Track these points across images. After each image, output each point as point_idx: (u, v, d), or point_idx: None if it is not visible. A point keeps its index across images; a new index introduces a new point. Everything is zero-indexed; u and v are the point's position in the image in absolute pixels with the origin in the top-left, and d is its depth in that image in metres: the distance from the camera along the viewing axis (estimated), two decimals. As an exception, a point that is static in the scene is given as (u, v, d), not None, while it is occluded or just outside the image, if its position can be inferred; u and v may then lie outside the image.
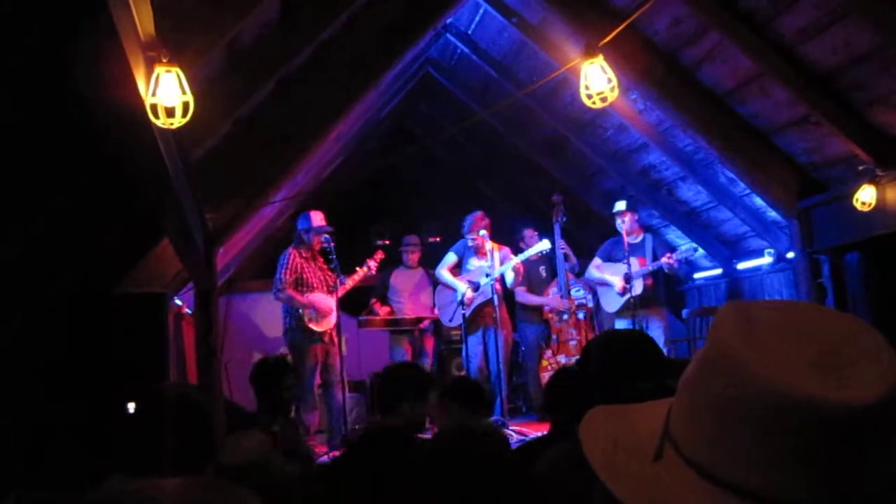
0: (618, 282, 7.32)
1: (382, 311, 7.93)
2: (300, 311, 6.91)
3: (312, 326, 6.84)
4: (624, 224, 7.34)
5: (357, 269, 7.46)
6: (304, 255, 7.03)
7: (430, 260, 8.14)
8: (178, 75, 3.13)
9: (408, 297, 7.90)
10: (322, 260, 7.29)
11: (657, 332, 7.18)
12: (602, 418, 1.03)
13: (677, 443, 0.89)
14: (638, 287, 7.19)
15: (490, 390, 7.43)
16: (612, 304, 7.51)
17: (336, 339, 7.06)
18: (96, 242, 4.91)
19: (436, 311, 7.96)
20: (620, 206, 7.49)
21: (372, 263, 7.47)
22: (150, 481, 0.92)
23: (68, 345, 5.08)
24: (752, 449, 0.82)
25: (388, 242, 8.96)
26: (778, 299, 1.02)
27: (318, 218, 7.14)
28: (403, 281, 8.00)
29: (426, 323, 7.88)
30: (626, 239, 7.26)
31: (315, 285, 6.94)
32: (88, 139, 3.36)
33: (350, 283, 7.33)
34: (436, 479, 1.82)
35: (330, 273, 7.26)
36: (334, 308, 7.00)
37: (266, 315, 9.18)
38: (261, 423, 4.54)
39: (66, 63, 2.44)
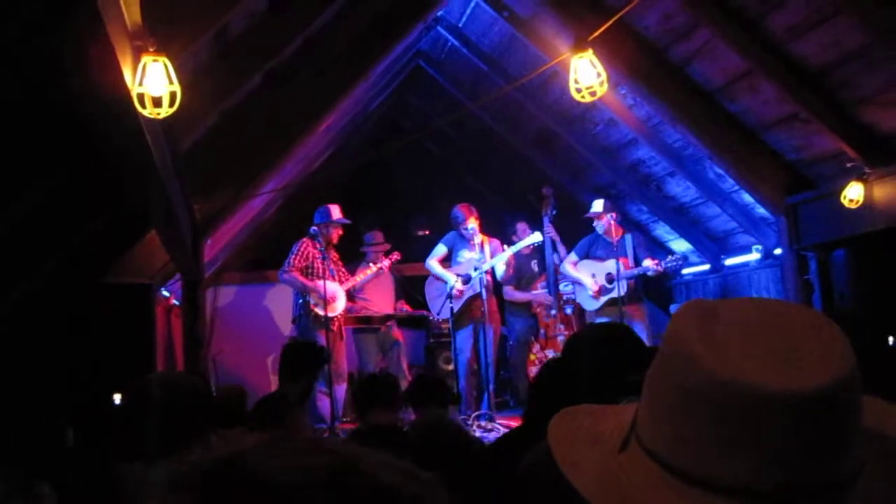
0: (591, 283, 7.32)
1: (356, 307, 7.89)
2: (307, 297, 7.00)
3: (318, 311, 6.87)
4: (608, 225, 7.30)
5: (371, 265, 7.52)
6: (318, 246, 7.07)
7: (419, 253, 8.12)
8: (165, 65, 3.11)
9: (373, 293, 7.86)
10: (337, 254, 7.40)
11: (639, 328, 7.19)
12: (572, 414, 1.05)
13: (640, 435, 0.91)
14: (622, 288, 7.18)
15: (478, 384, 7.44)
16: (588, 303, 7.53)
17: (344, 334, 7.16)
18: (83, 232, 4.89)
19: (401, 303, 8.04)
20: (597, 206, 7.44)
21: (386, 262, 7.49)
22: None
23: (55, 335, 5.05)
24: (708, 440, 0.83)
25: (427, 233, 8.92)
26: (745, 297, 1.04)
27: (336, 211, 7.26)
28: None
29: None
30: (611, 239, 7.24)
31: (326, 277, 6.95)
32: (75, 128, 3.34)
33: (360, 276, 7.42)
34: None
35: (344, 268, 7.42)
36: (341, 297, 7.12)
37: (255, 307, 9.16)
38: (291, 404, 4.51)
39: (51, 52, 2.43)
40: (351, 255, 7.82)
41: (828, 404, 0.80)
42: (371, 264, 7.54)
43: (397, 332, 7.82)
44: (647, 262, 7.08)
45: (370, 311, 7.76)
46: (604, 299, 7.29)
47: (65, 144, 3.66)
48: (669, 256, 7.21)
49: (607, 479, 0.90)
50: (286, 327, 8.12)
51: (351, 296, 7.74)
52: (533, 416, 3.39)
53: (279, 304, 8.77)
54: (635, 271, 7.18)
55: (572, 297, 7.85)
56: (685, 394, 0.85)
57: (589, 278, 7.36)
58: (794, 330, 0.86)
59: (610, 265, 7.22)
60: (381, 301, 7.89)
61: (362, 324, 7.71)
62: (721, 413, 0.82)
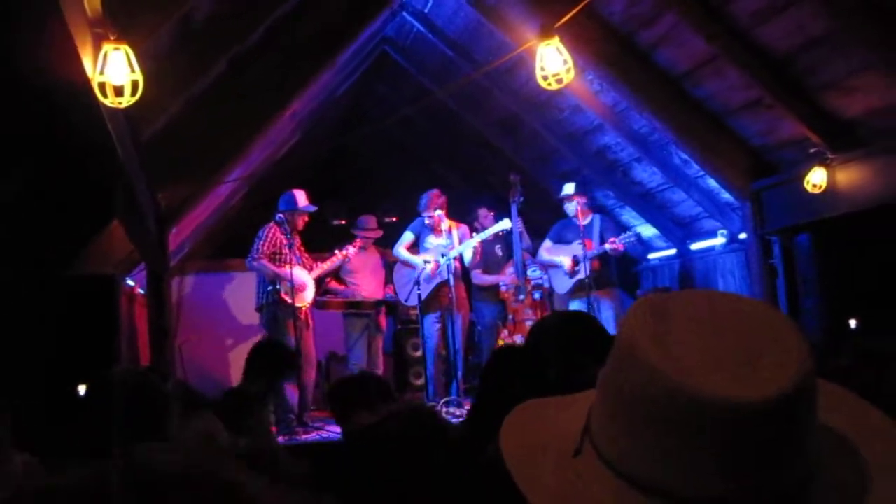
0: (567, 262, 7.38)
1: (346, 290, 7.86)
2: (277, 285, 6.83)
3: (287, 299, 6.72)
4: (577, 207, 7.37)
5: (336, 251, 7.38)
6: (285, 232, 6.92)
7: (387, 240, 8.09)
8: (126, 53, 3.06)
9: (362, 277, 7.84)
10: (301, 241, 7.26)
11: (609, 314, 7.26)
12: (528, 413, 1.03)
13: (596, 442, 0.89)
14: (587, 269, 7.23)
15: (447, 371, 7.45)
16: (562, 285, 7.58)
17: (311, 322, 7.05)
18: (45, 224, 4.80)
19: (389, 288, 7.98)
20: (569, 189, 7.53)
21: (351, 249, 7.39)
22: (55, 477, 0.86)
23: (17, 328, 4.97)
24: (662, 450, 0.82)
25: (344, 223, 8.86)
26: (699, 290, 1.01)
27: (302, 198, 7.06)
28: (358, 261, 7.92)
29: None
30: (581, 221, 7.29)
31: (293, 263, 6.80)
32: (35, 119, 3.28)
33: (328, 265, 7.30)
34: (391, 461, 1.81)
35: (308, 256, 7.28)
36: (310, 286, 7.01)
37: (221, 296, 9.08)
38: (257, 400, 4.47)
39: (8, 41, 2.37)
40: (315, 241, 7.74)
41: (780, 414, 0.78)
42: (336, 252, 7.41)
43: (382, 320, 7.81)
44: (606, 244, 7.16)
45: (360, 296, 7.73)
46: (572, 281, 7.34)
47: (24, 135, 3.59)
48: (623, 234, 7.25)
49: (564, 489, 0.88)
50: (252, 316, 8.07)
51: (341, 279, 7.71)
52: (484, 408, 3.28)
53: (245, 292, 8.68)
54: (595, 251, 7.25)
55: (540, 282, 7.87)
56: (638, 402, 0.83)
57: (564, 258, 7.40)
58: (750, 331, 0.84)
59: (575, 248, 7.28)
60: (371, 285, 7.86)
61: (352, 309, 7.68)
62: (675, 423, 0.80)
